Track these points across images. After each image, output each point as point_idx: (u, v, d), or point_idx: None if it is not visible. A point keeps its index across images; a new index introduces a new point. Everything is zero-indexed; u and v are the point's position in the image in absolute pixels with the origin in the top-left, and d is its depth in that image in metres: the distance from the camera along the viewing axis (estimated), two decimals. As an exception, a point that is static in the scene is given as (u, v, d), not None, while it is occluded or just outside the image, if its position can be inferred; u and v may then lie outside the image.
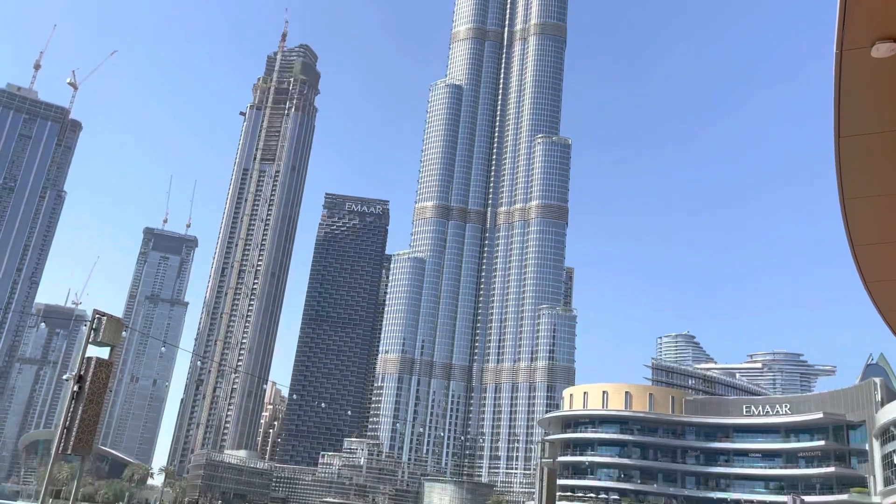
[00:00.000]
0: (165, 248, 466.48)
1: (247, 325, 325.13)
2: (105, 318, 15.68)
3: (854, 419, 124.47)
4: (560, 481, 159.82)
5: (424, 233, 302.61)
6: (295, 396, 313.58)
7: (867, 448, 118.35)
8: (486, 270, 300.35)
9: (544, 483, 24.24)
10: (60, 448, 14.69)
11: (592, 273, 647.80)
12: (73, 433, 14.68)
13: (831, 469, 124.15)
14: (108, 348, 16.34)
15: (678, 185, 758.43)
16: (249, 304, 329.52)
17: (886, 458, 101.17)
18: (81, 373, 15.33)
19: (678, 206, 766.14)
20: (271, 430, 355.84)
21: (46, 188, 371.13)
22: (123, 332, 15.91)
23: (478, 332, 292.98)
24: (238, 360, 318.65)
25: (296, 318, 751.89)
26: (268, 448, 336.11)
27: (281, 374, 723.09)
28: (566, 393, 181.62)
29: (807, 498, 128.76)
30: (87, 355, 15.11)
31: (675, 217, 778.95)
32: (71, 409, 15.07)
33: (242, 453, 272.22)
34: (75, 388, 15.17)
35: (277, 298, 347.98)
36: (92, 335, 15.48)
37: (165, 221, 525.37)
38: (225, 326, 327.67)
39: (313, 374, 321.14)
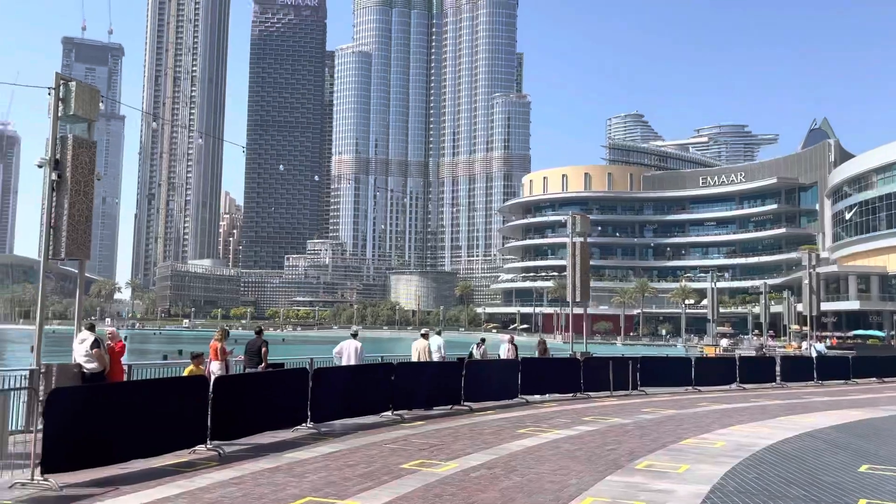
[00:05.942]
0: (89, 58, 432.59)
1: (191, 135, 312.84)
2: (74, 83, 12.17)
3: (806, 182, 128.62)
4: (524, 263, 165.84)
5: (367, 23, 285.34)
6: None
7: (818, 208, 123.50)
8: (436, 61, 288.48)
9: (577, 258, 22.90)
10: (51, 252, 11.82)
11: (540, 58, 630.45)
12: (64, 232, 11.73)
13: (782, 230, 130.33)
14: (86, 124, 13.00)
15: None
16: (191, 113, 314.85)
17: (837, 216, 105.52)
18: (57, 156, 12.09)
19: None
20: (231, 239, 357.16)
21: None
22: (101, 105, 12.43)
23: (431, 126, 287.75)
24: (187, 173, 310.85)
25: (241, 127, 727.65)
26: (230, 256, 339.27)
27: (233, 183, 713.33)
28: (526, 179, 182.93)
29: (758, 258, 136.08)
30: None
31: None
32: (55, 203, 11.99)
33: (207, 262, 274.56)
34: (54, 177, 12.00)
35: (218, 106, 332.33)
36: (61, 108, 12.01)
37: (84, 29, 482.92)
38: (168, 138, 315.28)
39: (266, 180, 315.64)
